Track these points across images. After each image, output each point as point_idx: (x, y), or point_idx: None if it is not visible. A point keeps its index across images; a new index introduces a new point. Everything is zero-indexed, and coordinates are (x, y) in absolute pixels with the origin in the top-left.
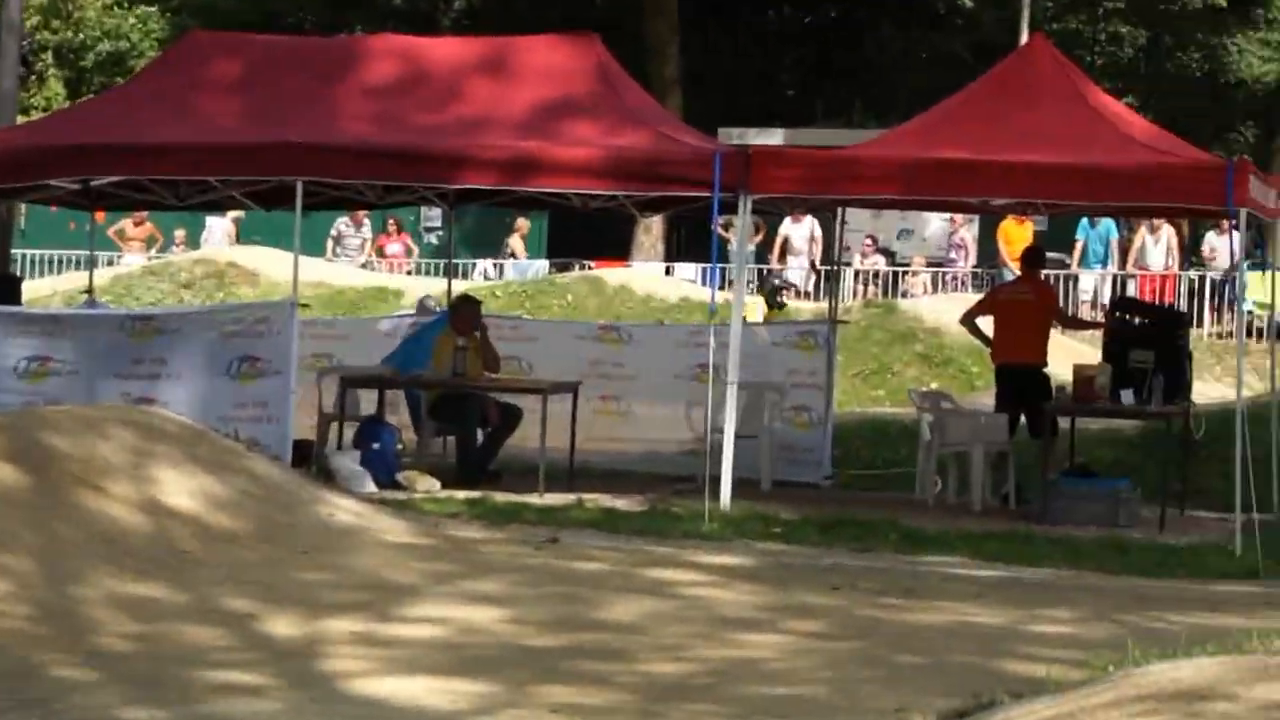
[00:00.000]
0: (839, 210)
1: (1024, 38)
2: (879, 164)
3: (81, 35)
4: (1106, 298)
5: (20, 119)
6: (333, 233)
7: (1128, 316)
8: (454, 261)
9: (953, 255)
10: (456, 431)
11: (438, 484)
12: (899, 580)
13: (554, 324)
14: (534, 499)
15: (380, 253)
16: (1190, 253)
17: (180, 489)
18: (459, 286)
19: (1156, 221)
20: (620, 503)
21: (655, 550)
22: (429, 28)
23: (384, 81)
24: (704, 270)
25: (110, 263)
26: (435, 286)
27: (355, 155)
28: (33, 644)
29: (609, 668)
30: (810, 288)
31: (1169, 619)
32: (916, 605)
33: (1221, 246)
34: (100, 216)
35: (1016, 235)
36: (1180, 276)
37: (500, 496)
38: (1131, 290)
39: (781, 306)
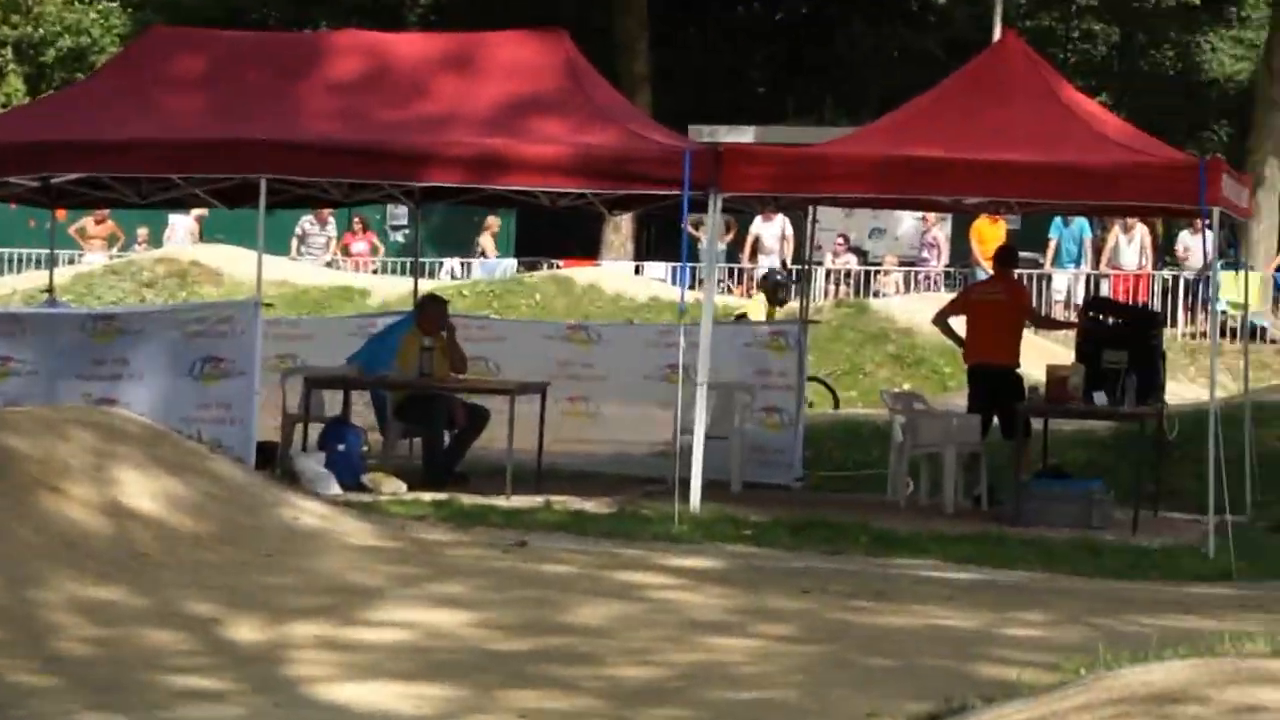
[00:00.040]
0: (810, 209)
1: (996, 35)
2: (850, 162)
3: (42, 30)
4: (1080, 297)
5: None
6: (297, 231)
7: (1101, 316)
8: (420, 260)
9: (925, 254)
10: (423, 433)
11: (404, 486)
12: (870, 583)
13: (522, 324)
14: (501, 501)
15: (345, 251)
16: (1164, 252)
17: (142, 491)
18: (425, 286)
19: (1130, 221)
20: (589, 505)
21: (624, 553)
22: (395, 23)
23: (349, 78)
24: (674, 269)
25: (71, 261)
26: (401, 286)
27: (320, 152)
28: None
29: (577, 672)
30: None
31: (1142, 621)
32: (888, 608)
33: (1195, 246)
34: (61, 214)
35: (990, 234)
36: (1154, 276)
37: (467, 499)
38: (1105, 290)
39: (784, 303)
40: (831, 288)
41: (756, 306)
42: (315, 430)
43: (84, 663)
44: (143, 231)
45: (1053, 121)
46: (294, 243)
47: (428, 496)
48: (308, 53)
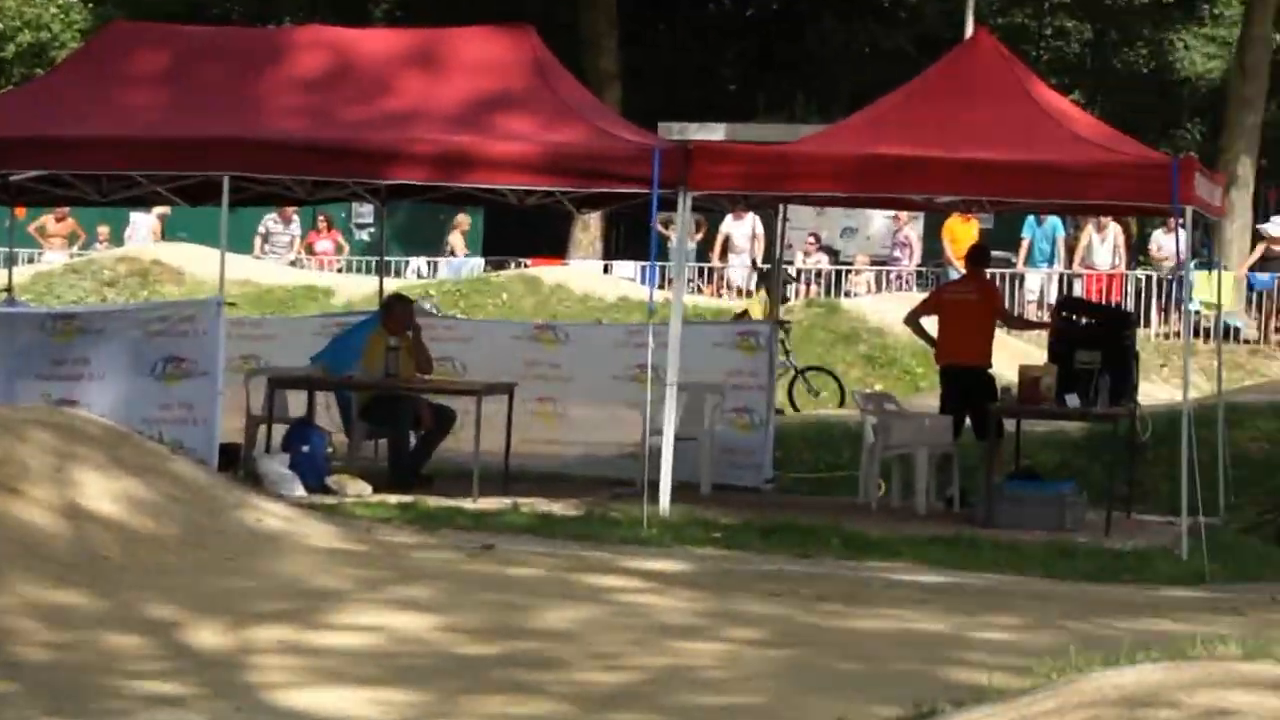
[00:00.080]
0: (781, 207)
1: (969, 32)
2: (821, 160)
3: (1, 25)
4: (1053, 297)
5: None
6: (261, 229)
7: (1074, 316)
8: (386, 259)
9: (897, 253)
10: (388, 434)
11: (369, 488)
12: (841, 586)
13: (489, 324)
14: (468, 503)
15: (310, 250)
16: (1137, 251)
17: (102, 493)
18: (391, 285)
19: (1103, 220)
20: (556, 507)
21: (592, 556)
22: (360, 19)
23: (313, 74)
24: (643, 268)
25: (30, 260)
26: (367, 285)
27: (283, 150)
28: None
29: (543, 677)
30: (752, 286)
31: (1114, 624)
32: (858, 611)
33: (1169, 245)
34: (20, 212)
35: (962, 233)
36: (1127, 276)
37: (433, 501)
38: (1078, 290)
39: (785, 300)
40: (802, 287)
41: (757, 305)
42: (279, 432)
43: (43, 668)
44: (104, 230)
45: (1025, 119)
46: (258, 241)
47: (393, 499)
48: (271, 49)
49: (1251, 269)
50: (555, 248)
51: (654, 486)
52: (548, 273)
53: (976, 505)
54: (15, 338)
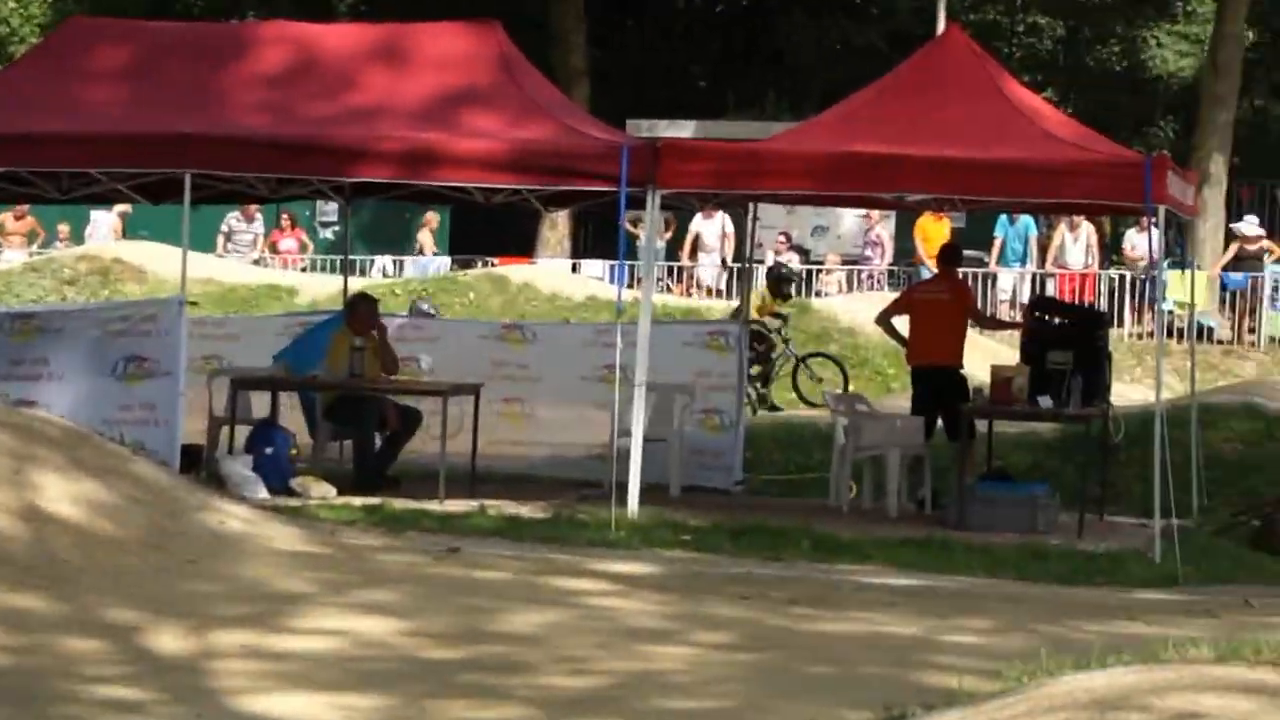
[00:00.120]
0: (751, 206)
1: (941, 28)
2: (793, 158)
3: None
4: (1025, 297)
5: None
6: (223, 228)
7: (1046, 316)
8: (351, 258)
9: (868, 253)
10: (353, 435)
11: (333, 490)
12: (811, 589)
13: (455, 323)
14: (434, 506)
15: (273, 248)
16: (1110, 251)
17: (62, 495)
18: (355, 284)
19: (1076, 219)
20: (523, 509)
21: (559, 559)
22: (325, 14)
23: (276, 70)
24: (612, 267)
25: None
26: (331, 284)
27: (246, 147)
28: None
29: (509, 681)
30: (722, 286)
31: (1086, 627)
32: (829, 615)
33: (1142, 244)
34: None
35: (934, 232)
36: (1100, 275)
37: (399, 503)
38: (1051, 289)
39: (787, 298)
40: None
41: (754, 300)
42: (242, 433)
43: (0, 673)
44: (64, 228)
45: (997, 117)
46: (220, 240)
47: (358, 501)
48: (233, 44)
49: (1225, 268)
50: (523, 246)
51: (622, 488)
52: (515, 272)
53: (948, 507)
54: None
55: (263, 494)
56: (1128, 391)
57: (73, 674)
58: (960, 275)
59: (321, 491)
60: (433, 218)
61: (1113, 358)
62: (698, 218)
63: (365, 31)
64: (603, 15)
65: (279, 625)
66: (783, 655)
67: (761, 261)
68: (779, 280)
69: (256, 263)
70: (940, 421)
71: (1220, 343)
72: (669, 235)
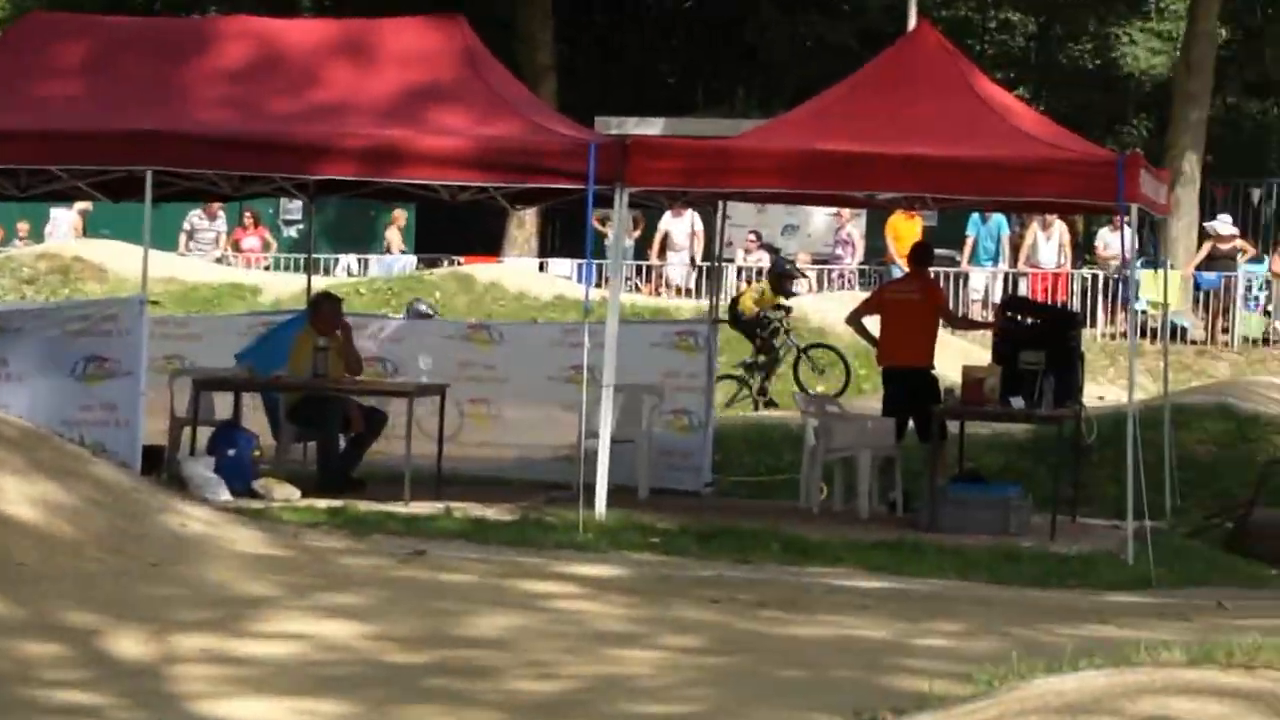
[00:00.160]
0: (721, 204)
1: (911, 25)
2: (762, 155)
3: None
4: (997, 296)
5: None
6: (185, 226)
7: (1018, 316)
8: (314, 256)
9: (839, 251)
10: (317, 436)
11: (297, 492)
12: (781, 592)
13: (421, 323)
14: (399, 508)
15: (236, 247)
16: (1083, 250)
17: (20, 497)
18: (319, 283)
19: (1049, 218)
20: (490, 512)
21: (526, 562)
22: (288, 9)
23: (238, 66)
24: (579, 266)
25: None
26: (295, 283)
27: (208, 144)
28: None
29: (475, 686)
30: (691, 285)
31: (1058, 631)
32: (799, 618)
33: (1115, 243)
34: None
35: (905, 231)
36: (1073, 275)
37: (363, 505)
38: (1023, 289)
39: (789, 295)
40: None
41: (749, 297)
42: (204, 434)
43: None
44: (23, 226)
45: (969, 115)
46: (182, 238)
47: (322, 503)
48: (195, 40)
49: (1198, 268)
50: (489, 245)
51: (590, 490)
52: (481, 270)
53: (920, 509)
54: None
55: (225, 496)
56: (1101, 392)
57: (31, 679)
58: (932, 274)
59: (285, 493)
60: (401, 215)
61: (1085, 358)
62: (667, 216)
63: (329, 27)
64: (570, 11)
65: (241, 629)
66: (752, 659)
67: (732, 260)
68: (781, 277)
69: (219, 261)
70: (911, 423)
71: (1194, 343)
72: (637, 234)
